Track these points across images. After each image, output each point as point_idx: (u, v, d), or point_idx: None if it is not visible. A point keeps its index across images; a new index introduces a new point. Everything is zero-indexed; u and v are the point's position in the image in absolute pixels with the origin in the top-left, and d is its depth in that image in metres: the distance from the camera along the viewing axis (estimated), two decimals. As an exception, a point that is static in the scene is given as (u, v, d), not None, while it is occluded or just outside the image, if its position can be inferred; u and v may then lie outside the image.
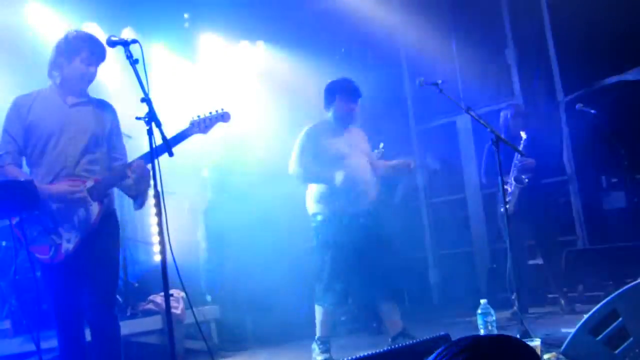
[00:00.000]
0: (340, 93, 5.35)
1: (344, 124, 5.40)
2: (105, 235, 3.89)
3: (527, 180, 6.16)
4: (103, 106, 4.04)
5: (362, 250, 5.15)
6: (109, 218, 3.94)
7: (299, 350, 5.94)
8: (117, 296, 5.04)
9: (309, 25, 8.75)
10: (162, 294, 4.37)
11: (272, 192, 7.08)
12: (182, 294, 6.06)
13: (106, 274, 3.88)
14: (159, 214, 3.18)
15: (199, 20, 8.31)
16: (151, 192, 3.37)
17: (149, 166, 3.50)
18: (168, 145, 3.26)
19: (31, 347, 4.65)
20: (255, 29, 8.66)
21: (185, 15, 8.24)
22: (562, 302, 6.27)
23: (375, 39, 9.05)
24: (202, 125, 3.88)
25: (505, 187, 6.11)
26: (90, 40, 3.90)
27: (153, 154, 3.22)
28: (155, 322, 5.91)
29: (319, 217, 5.28)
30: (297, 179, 5.35)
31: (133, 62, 3.28)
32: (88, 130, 3.86)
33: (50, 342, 4.02)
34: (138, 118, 3.26)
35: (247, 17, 8.21)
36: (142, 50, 3.31)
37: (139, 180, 3.76)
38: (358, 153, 5.34)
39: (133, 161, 3.79)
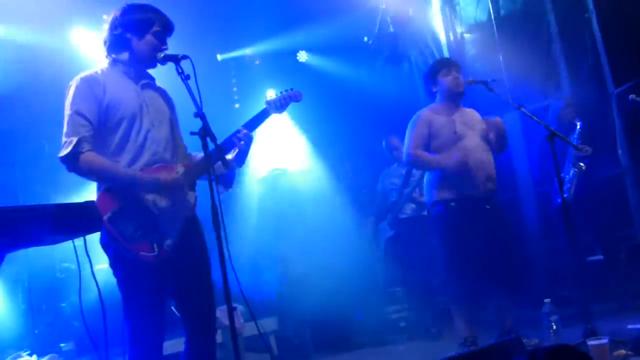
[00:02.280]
0: (441, 68, 5.19)
1: (455, 100, 5.18)
2: (198, 230, 3.59)
3: (584, 166, 6.10)
4: (165, 91, 3.73)
5: (489, 240, 4.87)
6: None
7: (361, 358, 5.89)
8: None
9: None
10: (222, 307, 4.40)
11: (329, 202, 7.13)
12: (240, 307, 6.08)
13: (208, 279, 3.56)
14: (217, 228, 3.15)
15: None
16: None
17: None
18: (224, 160, 3.23)
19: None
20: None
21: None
22: (629, 297, 6.12)
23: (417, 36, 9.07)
24: (278, 104, 3.86)
25: (563, 175, 6.09)
26: (159, 11, 3.53)
27: (210, 171, 3.16)
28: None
29: (442, 205, 5.00)
30: (409, 164, 5.41)
31: (185, 78, 3.23)
32: (166, 113, 3.57)
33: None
34: (193, 133, 3.19)
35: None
36: (193, 65, 3.25)
37: (246, 148, 3.63)
38: (475, 133, 5.12)
39: (238, 130, 3.64)
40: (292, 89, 3.94)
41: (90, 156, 3.28)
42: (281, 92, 3.91)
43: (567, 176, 6.18)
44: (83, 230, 3.14)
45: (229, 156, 3.62)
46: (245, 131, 3.63)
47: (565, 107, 6.41)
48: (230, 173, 3.67)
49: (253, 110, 3.87)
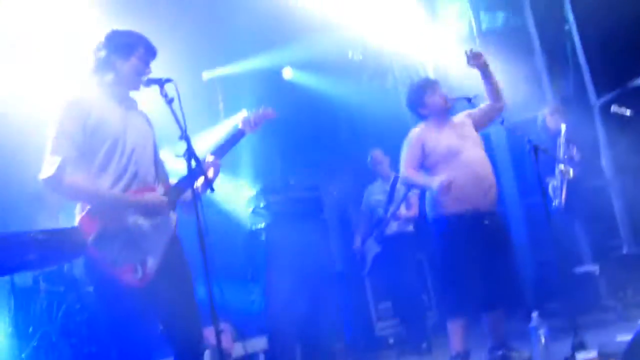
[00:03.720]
0: (425, 90, 5.16)
1: (445, 116, 5.16)
2: (179, 250, 3.60)
3: (571, 170, 6.14)
4: (146, 115, 3.76)
5: (485, 256, 4.85)
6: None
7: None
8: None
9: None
10: (210, 328, 4.38)
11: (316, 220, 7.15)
12: (228, 326, 6.05)
13: (192, 299, 3.56)
14: (203, 249, 3.15)
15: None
16: None
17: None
18: (209, 183, 3.25)
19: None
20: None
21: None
22: (617, 308, 6.14)
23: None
24: (253, 123, 3.91)
25: (552, 182, 6.14)
26: (142, 36, 3.62)
27: (195, 193, 3.19)
28: (204, 358, 5.89)
29: (441, 220, 4.98)
30: (403, 184, 5.46)
31: (169, 102, 3.28)
32: (148, 136, 3.61)
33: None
34: (178, 156, 3.22)
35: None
36: (177, 88, 3.30)
37: (214, 176, 3.67)
38: (471, 144, 5.06)
39: (209, 154, 3.71)
40: (264, 107, 4.00)
41: (73, 177, 3.27)
42: (255, 110, 3.97)
43: (555, 182, 6.21)
44: (70, 255, 3.14)
45: (197, 183, 3.59)
46: (213, 159, 3.70)
47: (551, 113, 6.46)
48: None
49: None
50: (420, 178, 5.06)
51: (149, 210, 3.40)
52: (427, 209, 5.15)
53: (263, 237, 6.94)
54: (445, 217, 4.94)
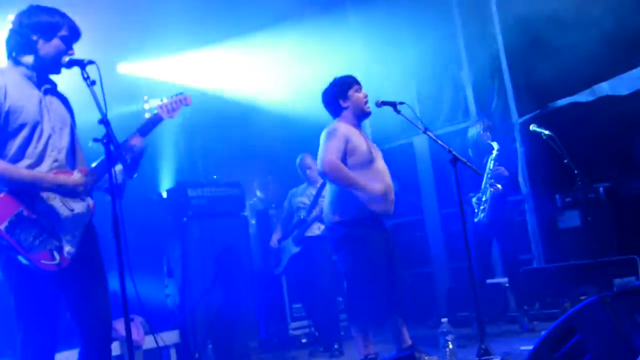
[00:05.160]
0: (352, 84, 5.02)
1: (362, 119, 5.08)
2: (94, 238, 3.51)
3: (501, 187, 6.32)
4: (66, 97, 3.59)
5: (388, 260, 4.83)
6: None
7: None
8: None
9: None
10: (121, 319, 4.30)
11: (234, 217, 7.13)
12: (141, 319, 5.97)
13: (105, 288, 3.46)
14: (116, 237, 3.10)
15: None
16: None
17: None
18: (128, 168, 3.20)
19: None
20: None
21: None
22: (524, 320, 6.33)
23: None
24: (170, 107, 3.82)
25: (480, 195, 6.30)
26: (66, 15, 3.41)
27: (111, 179, 3.10)
28: (113, 349, 5.78)
29: (347, 224, 4.80)
30: (327, 175, 4.78)
31: (90, 84, 3.18)
32: (66, 120, 3.47)
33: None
34: (95, 140, 3.14)
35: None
36: (99, 71, 3.20)
37: (138, 158, 3.54)
38: (378, 154, 5.01)
39: (129, 138, 3.58)
40: (182, 93, 3.92)
41: None
42: (172, 96, 3.90)
43: (484, 196, 6.36)
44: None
45: (118, 167, 3.55)
46: (138, 138, 3.60)
47: (485, 129, 6.60)
48: (120, 184, 3.58)
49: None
50: (353, 175, 4.72)
51: (67, 191, 3.29)
52: (329, 210, 4.95)
53: (182, 232, 6.87)
54: (350, 220, 4.81)
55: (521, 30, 7.27)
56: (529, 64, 7.44)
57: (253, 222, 8.50)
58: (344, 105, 5.03)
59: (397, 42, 8.42)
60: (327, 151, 4.77)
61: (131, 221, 3.41)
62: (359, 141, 4.87)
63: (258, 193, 9.55)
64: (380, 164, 4.97)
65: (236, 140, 8.92)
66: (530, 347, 3.45)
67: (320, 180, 6.87)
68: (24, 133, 3.26)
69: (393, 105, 5.00)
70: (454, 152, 4.79)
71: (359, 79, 5.12)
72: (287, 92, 8.59)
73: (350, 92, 5.02)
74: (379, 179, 4.82)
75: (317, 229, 6.77)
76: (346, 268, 4.91)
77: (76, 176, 3.37)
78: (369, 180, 4.76)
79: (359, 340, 4.81)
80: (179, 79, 8.46)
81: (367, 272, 4.76)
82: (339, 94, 5.04)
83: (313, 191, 6.87)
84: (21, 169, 3.22)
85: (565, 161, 6.21)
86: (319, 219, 6.65)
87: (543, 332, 3.42)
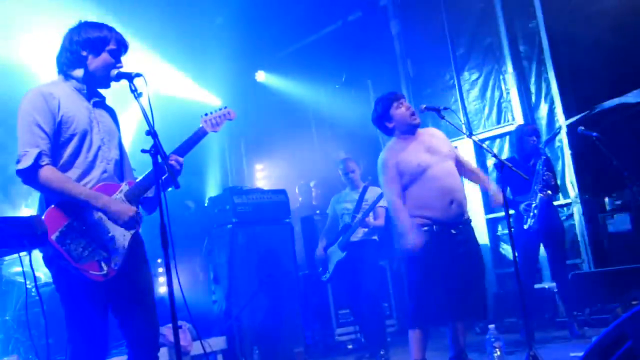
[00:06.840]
0: (391, 103, 5.05)
1: (413, 131, 5.06)
2: (141, 247, 3.56)
3: (551, 192, 6.24)
4: (114, 110, 3.70)
5: (452, 266, 4.79)
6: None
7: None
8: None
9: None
10: (169, 325, 4.36)
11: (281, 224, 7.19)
12: (188, 325, 6.04)
13: (152, 296, 3.53)
14: (164, 246, 3.14)
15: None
16: None
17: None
18: (175, 179, 3.23)
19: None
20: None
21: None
22: (573, 326, 6.22)
23: (377, 68, 9.20)
24: (214, 121, 3.87)
25: (529, 202, 6.21)
26: (113, 29, 3.52)
27: (159, 188, 3.15)
28: (162, 355, 5.86)
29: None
30: (390, 212, 5.01)
31: (137, 96, 3.24)
32: (114, 132, 3.57)
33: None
34: (144, 151, 3.19)
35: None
36: (146, 83, 3.26)
37: (176, 175, 3.49)
38: (438, 158, 4.95)
39: (171, 154, 3.61)
40: (225, 107, 3.98)
41: (49, 170, 3.24)
42: (215, 111, 3.95)
43: (533, 202, 6.26)
44: (27, 245, 3.09)
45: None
46: (175, 157, 3.64)
47: (532, 133, 6.50)
48: (154, 197, 3.59)
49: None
50: (405, 220, 4.83)
51: (114, 218, 3.33)
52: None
53: (228, 239, 6.92)
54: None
55: (566, 29, 7.17)
56: (575, 64, 7.34)
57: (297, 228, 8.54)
58: (390, 126, 5.08)
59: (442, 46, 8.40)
60: (386, 191, 4.98)
61: (179, 227, 3.46)
62: (408, 158, 4.90)
63: (300, 199, 9.58)
64: (438, 168, 4.89)
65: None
66: (580, 354, 3.39)
67: (362, 184, 6.86)
68: (74, 143, 3.36)
69: (437, 110, 4.99)
70: (500, 157, 4.76)
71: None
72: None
73: (392, 111, 5.04)
74: (433, 188, 4.81)
75: (361, 233, 6.77)
76: (406, 271, 5.05)
77: (122, 190, 3.44)
78: (424, 190, 4.82)
79: (413, 344, 4.82)
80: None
81: (424, 276, 4.79)
82: (382, 117, 5.09)
83: (356, 196, 6.87)
84: (78, 187, 3.29)
85: (614, 163, 6.09)
86: (363, 223, 6.64)
87: (593, 339, 3.36)
